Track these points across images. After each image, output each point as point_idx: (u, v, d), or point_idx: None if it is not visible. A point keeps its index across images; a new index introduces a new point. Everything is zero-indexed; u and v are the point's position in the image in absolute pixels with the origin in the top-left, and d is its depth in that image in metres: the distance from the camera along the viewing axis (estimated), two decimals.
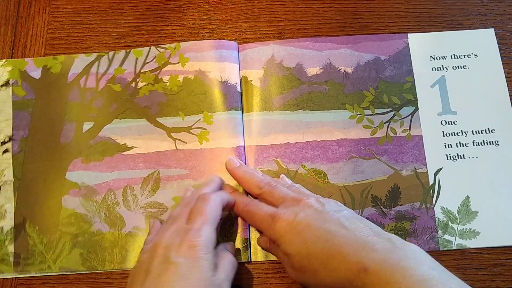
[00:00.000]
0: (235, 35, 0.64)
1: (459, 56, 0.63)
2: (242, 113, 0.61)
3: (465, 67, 0.62)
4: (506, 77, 0.62)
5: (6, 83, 0.63)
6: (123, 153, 0.60)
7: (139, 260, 0.48)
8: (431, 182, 0.58)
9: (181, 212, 0.50)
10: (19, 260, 0.57)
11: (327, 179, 0.59)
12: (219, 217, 0.50)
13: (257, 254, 0.57)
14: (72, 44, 0.65)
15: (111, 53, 0.64)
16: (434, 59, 0.63)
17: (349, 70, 0.63)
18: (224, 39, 0.64)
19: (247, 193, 0.57)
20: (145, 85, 0.62)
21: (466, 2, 0.66)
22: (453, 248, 0.56)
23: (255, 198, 0.55)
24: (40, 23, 0.66)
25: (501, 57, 0.63)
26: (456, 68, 0.62)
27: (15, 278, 0.57)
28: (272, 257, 0.56)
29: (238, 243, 0.56)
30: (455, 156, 0.59)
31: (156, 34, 0.65)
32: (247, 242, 0.56)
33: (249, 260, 0.56)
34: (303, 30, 0.65)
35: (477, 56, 0.63)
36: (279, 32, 0.65)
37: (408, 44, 0.63)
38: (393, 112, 0.61)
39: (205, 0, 0.66)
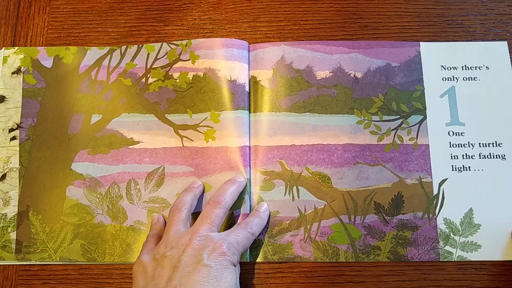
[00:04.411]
0: (235, 35, 0.64)
1: (471, 68, 0.62)
2: (249, 113, 0.61)
3: (475, 78, 0.62)
4: None
5: (18, 71, 0.63)
6: (129, 147, 0.60)
7: (159, 253, 0.50)
8: (435, 192, 0.58)
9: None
10: (21, 247, 0.58)
11: (331, 183, 0.59)
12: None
13: (257, 254, 0.57)
14: (72, 44, 0.65)
15: (123, 47, 0.64)
16: (445, 69, 0.62)
17: (359, 75, 0.62)
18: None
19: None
20: (155, 81, 0.62)
21: (466, 2, 0.65)
22: (453, 260, 0.56)
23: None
24: (40, 23, 0.66)
25: None
26: (466, 79, 0.62)
27: (15, 278, 0.58)
28: (272, 257, 0.56)
29: None
30: (461, 168, 0.59)
31: (156, 34, 0.65)
32: None
33: (249, 260, 0.57)
34: (303, 30, 0.65)
35: (488, 68, 0.62)
36: (279, 32, 0.65)
37: (419, 52, 0.63)
38: (401, 120, 0.61)
39: (205, 0, 0.66)
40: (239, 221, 0.57)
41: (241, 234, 0.53)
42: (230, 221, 0.57)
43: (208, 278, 0.47)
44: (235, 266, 0.50)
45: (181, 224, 0.53)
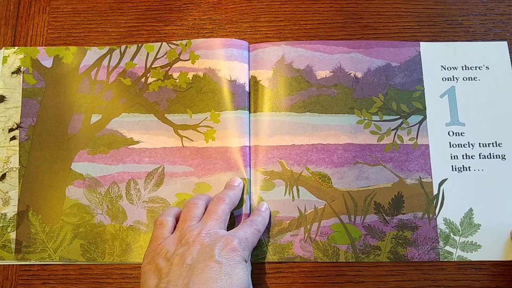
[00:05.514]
0: (235, 35, 0.64)
1: (470, 68, 0.62)
2: (249, 113, 0.61)
3: (475, 79, 0.62)
4: None
5: (17, 70, 0.63)
6: (129, 146, 0.60)
7: (169, 251, 0.49)
8: (435, 192, 0.58)
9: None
10: (20, 247, 0.58)
11: (331, 183, 0.59)
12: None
13: (257, 254, 0.57)
14: (72, 44, 0.65)
15: (123, 47, 0.64)
16: (445, 69, 0.62)
17: (359, 74, 0.62)
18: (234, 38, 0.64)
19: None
20: (155, 80, 0.62)
21: (466, 2, 0.65)
22: (453, 260, 0.56)
23: None
24: (40, 23, 0.66)
25: None
26: (466, 79, 0.62)
27: (15, 278, 0.58)
28: (272, 257, 0.56)
29: None
30: (461, 168, 0.59)
31: (156, 34, 0.65)
32: None
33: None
34: (303, 30, 0.65)
35: (488, 68, 0.62)
36: (279, 32, 0.65)
37: (419, 52, 0.63)
38: (401, 120, 0.61)
39: (205, 0, 0.66)
40: (239, 221, 0.57)
41: (249, 231, 0.52)
42: (230, 221, 0.57)
43: (221, 275, 0.47)
44: (246, 262, 0.50)
45: (194, 220, 0.52)
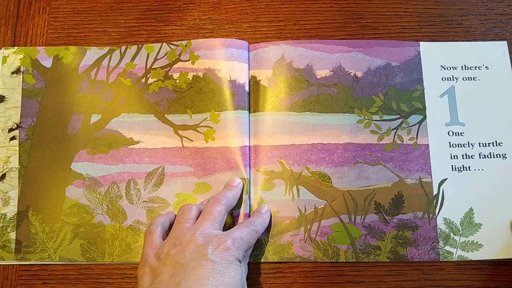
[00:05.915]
0: (235, 35, 0.64)
1: (470, 68, 0.62)
2: (249, 112, 0.61)
3: (475, 78, 0.62)
4: None
5: (17, 70, 0.63)
6: (129, 147, 0.60)
7: (163, 252, 0.49)
8: (435, 192, 0.58)
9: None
10: (20, 247, 0.58)
11: (331, 182, 0.59)
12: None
13: (257, 254, 0.57)
14: (72, 44, 0.65)
15: (123, 47, 0.64)
16: (444, 69, 0.62)
17: (359, 74, 0.62)
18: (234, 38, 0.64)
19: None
20: (155, 81, 0.62)
21: (466, 2, 0.65)
22: (453, 260, 0.56)
23: None
24: (40, 23, 0.66)
25: None
26: (466, 79, 0.62)
27: (15, 278, 0.58)
28: (272, 257, 0.56)
29: None
30: (461, 168, 0.59)
31: (156, 34, 0.65)
32: None
33: (249, 260, 0.57)
34: (303, 30, 0.65)
35: (488, 68, 0.62)
36: (279, 32, 0.65)
37: (419, 52, 0.63)
38: (401, 120, 0.61)
39: (205, 0, 0.66)
40: (239, 220, 0.57)
41: (245, 231, 0.52)
42: (230, 222, 0.57)
43: (213, 273, 0.46)
44: (240, 262, 0.50)
45: (189, 223, 0.52)
